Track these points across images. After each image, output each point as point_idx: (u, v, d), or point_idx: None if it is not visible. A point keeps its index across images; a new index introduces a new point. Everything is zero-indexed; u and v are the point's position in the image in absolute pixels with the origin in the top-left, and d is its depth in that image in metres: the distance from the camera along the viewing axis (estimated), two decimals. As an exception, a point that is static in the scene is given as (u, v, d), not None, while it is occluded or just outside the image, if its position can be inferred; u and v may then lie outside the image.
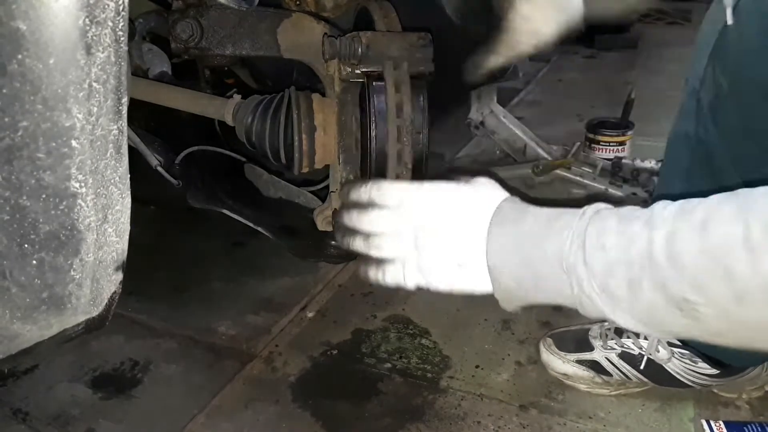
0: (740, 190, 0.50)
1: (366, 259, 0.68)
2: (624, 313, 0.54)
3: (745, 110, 0.79)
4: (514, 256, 0.60)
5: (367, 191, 0.67)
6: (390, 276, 0.67)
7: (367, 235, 0.67)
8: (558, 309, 1.35)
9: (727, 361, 1.02)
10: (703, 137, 0.87)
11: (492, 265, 0.61)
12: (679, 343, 1.04)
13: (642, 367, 1.06)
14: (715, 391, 1.08)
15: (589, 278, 0.54)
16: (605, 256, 0.53)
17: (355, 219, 0.68)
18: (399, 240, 0.65)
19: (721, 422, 1.02)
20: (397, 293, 1.43)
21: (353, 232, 0.68)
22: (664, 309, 0.51)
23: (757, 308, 0.47)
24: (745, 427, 1.01)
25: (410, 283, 0.66)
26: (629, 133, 1.89)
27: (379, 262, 0.67)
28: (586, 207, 0.59)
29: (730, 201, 0.49)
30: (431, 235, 0.64)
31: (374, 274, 0.68)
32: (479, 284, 0.63)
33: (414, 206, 0.65)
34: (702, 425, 1.02)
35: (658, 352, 1.05)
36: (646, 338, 1.07)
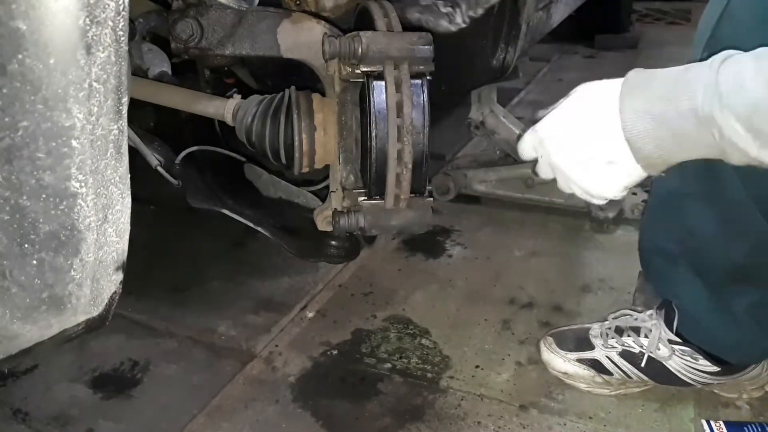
0: None
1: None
2: None
3: None
4: (649, 121, 0.61)
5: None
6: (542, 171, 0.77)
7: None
8: (558, 309, 1.35)
9: (726, 358, 1.02)
10: None
11: (629, 137, 0.63)
12: (679, 340, 1.04)
13: (643, 365, 1.06)
14: (716, 391, 1.08)
15: (730, 122, 0.55)
16: (746, 95, 0.53)
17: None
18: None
19: (721, 422, 1.02)
20: (397, 293, 1.43)
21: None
22: None
23: None
24: (745, 427, 1.01)
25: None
26: (629, 133, 1.89)
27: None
28: (714, 56, 0.58)
29: None
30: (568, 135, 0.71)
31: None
32: (620, 160, 0.65)
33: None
34: (702, 425, 1.02)
35: (659, 350, 1.05)
36: (646, 336, 1.07)
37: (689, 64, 0.60)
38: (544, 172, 0.76)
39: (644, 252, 1.08)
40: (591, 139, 0.67)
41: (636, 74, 0.64)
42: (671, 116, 0.59)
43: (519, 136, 0.80)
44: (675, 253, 0.99)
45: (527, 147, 0.77)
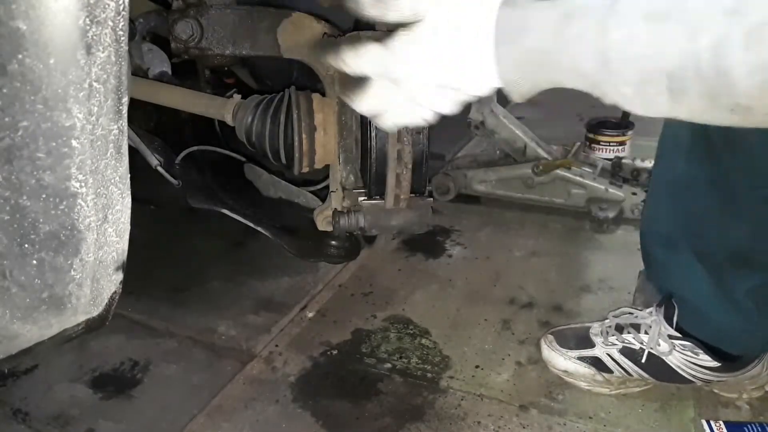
0: None
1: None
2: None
3: None
4: (527, 70, 0.57)
5: None
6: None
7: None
8: (558, 309, 1.35)
9: (727, 348, 1.02)
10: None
11: (506, 81, 0.58)
12: (679, 335, 1.04)
13: (643, 361, 1.06)
14: (716, 390, 1.08)
15: (618, 88, 0.52)
16: (638, 65, 0.49)
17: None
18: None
19: (721, 422, 1.02)
20: (397, 293, 1.43)
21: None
22: (710, 113, 0.49)
23: None
24: (745, 427, 1.01)
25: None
26: (629, 133, 1.89)
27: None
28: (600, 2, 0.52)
29: None
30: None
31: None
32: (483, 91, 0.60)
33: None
34: (702, 425, 1.02)
35: (659, 345, 1.05)
36: (646, 333, 1.07)
37: (568, 7, 0.53)
38: (376, 94, 0.63)
39: (645, 242, 1.09)
40: (457, 71, 0.59)
41: (507, 16, 0.56)
42: (551, 68, 0.55)
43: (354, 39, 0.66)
44: (676, 237, 1.00)
45: (368, 61, 0.62)
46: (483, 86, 0.59)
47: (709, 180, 0.90)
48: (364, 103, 0.64)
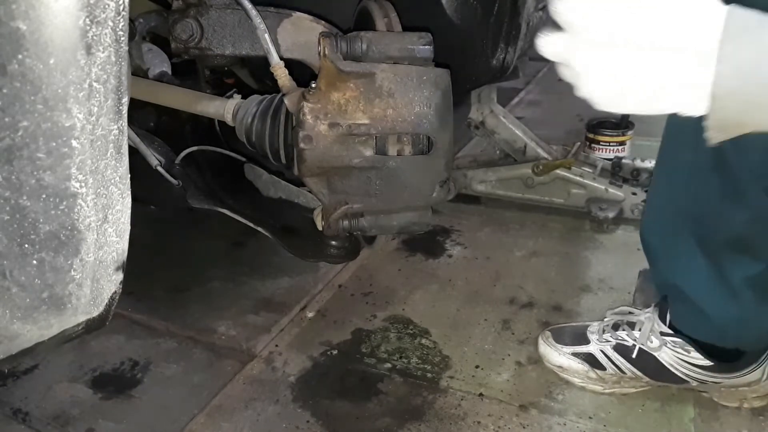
0: None
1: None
2: None
3: None
4: (749, 82, 0.49)
5: None
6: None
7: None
8: (558, 309, 1.35)
9: (720, 342, 1.01)
10: None
11: (718, 92, 0.50)
12: (671, 332, 1.04)
13: (634, 356, 1.07)
14: (715, 398, 1.07)
15: None
16: None
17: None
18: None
19: None
20: (397, 293, 1.43)
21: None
22: None
23: None
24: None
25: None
26: (629, 133, 1.89)
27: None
28: None
29: None
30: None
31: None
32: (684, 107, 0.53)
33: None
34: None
35: (651, 341, 1.05)
36: (640, 330, 1.07)
37: None
38: (568, 49, 0.55)
39: (646, 231, 1.08)
40: (666, 63, 0.52)
41: (741, 14, 0.49)
42: None
43: None
44: (678, 223, 1.00)
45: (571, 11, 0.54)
46: (689, 97, 0.52)
47: (713, 167, 0.90)
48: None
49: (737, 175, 0.87)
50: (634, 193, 1.67)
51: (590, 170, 1.74)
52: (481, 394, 1.13)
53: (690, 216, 0.98)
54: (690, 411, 1.07)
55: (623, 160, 1.79)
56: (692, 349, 1.02)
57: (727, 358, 1.02)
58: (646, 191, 1.67)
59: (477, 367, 1.20)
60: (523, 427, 1.06)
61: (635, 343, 1.07)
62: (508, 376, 1.17)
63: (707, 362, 1.02)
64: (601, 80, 0.55)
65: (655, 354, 1.05)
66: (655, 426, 1.05)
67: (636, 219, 1.63)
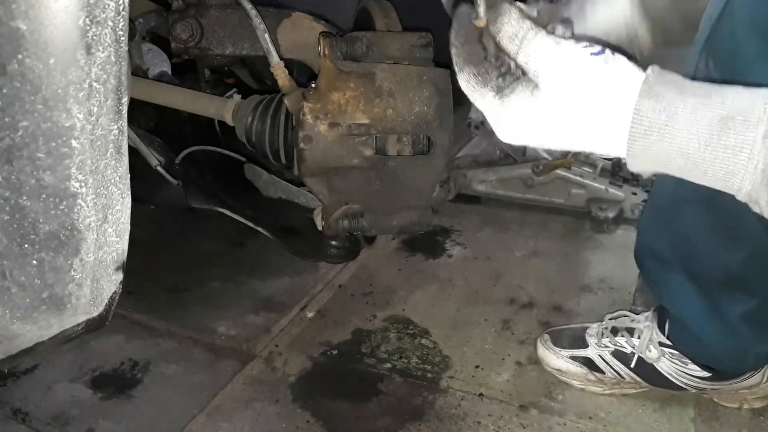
0: None
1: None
2: None
3: None
4: (656, 168, 0.52)
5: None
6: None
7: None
8: (558, 309, 1.35)
9: (715, 366, 1.01)
10: None
11: (631, 162, 0.54)
12: (669, 343, 1.04)
13: (633, 365, 1.06)
14: (715, 399, 1.07)
15: None
16: None
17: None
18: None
19: None
20: (397, 293, 1.43)
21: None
22: None
23: None
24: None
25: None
26: (629, 133, 1.89)
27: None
28: (762, 105, 0.46)
29: None
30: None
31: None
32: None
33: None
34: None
35: (650, 351, 1.05)
36: (639, 337, 1.07)
37: (727, 113, 0.48)
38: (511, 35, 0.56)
39: (639, 254, 1.08)
40: (574, 144, 0.56)
41: (649, 108, 0.51)
42: (694, 174, 0.50)
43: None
44: (669, 257, 0.98)
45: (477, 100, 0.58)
46: (603, 154, 0.56)
47: (703, 202, 0.87)
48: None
49: (731, 210, 0.82)
50: (635, 193, 1.67)
51: (590, 170, 1.74)
52: (481, 394, 1.13)
53: (682, 253, 0.96)
54: (690, 411, 1.07)
55: (623, 161, 1.78)
56: (689, 361, 1.02)
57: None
58: (646, 191, 1.67)
59: (477, 367, 1.20)
60: (523, 427, 1.06)
61: (634, 351, 1.07)
62: (508, 376, 1.17)
63: (705, 373, 1.02)
64: (514, 127, 0.57)
65: (654, 364, 1.05)
66: (655, 426, 1.05)
67: (636, 219, 1.63)
